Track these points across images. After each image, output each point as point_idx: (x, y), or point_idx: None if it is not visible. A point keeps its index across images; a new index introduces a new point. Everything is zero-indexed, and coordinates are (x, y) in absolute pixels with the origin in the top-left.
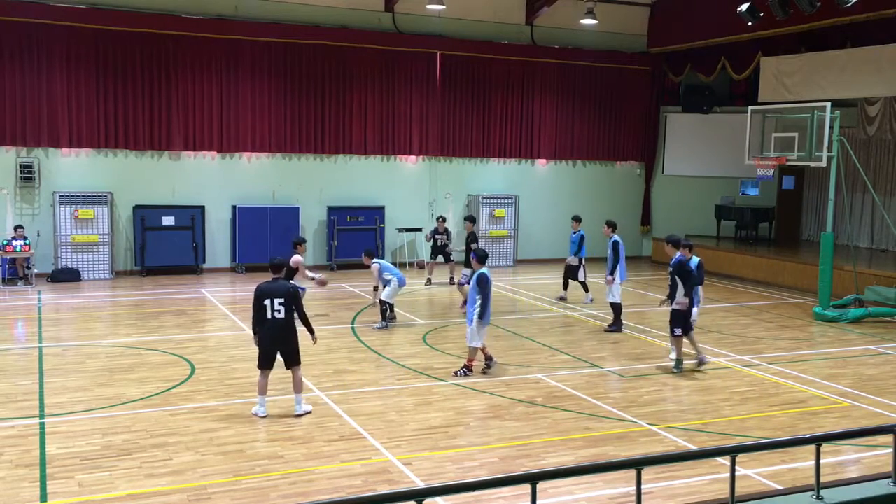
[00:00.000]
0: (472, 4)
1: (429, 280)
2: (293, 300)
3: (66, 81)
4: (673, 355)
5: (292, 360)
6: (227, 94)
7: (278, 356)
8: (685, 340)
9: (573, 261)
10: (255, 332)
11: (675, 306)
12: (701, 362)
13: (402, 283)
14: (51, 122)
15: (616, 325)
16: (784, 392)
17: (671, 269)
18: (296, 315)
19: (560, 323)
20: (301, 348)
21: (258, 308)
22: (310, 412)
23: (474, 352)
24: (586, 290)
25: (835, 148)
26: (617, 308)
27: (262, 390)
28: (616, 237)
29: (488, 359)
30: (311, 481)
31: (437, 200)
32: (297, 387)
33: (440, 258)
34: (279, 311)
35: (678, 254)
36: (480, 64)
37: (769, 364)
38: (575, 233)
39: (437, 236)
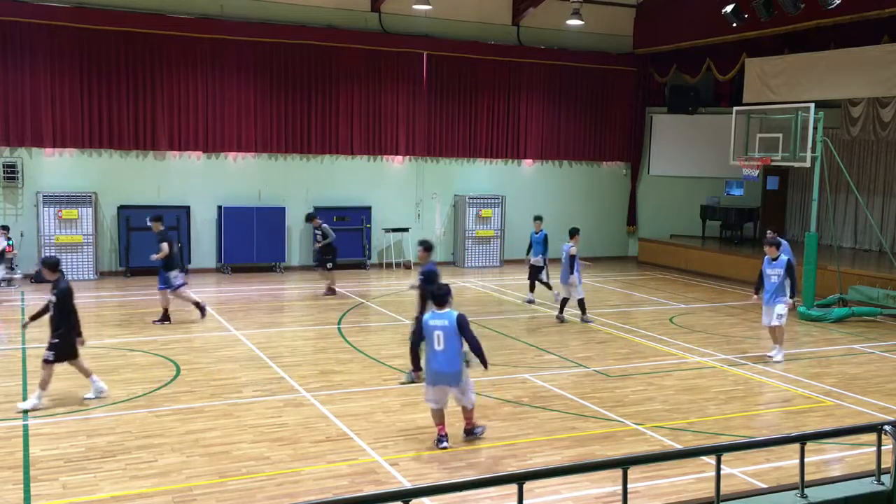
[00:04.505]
0: (458, 5)
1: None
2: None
3: (50, 81)
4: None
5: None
6: (213, 93)
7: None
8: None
9: (538, 261)
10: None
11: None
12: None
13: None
14: (34, 121)
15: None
16: (768, 391)
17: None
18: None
19: (546, 323)
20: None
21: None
22: (32, 409)
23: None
24: (550, 287)
25: (818, 149)
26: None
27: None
28: (545, 231)
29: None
30: (298, 482)
31: (423, 201)
32: (44, 385)
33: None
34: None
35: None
36: (467, 64)
37: (754, 363)
38: (537, 233)
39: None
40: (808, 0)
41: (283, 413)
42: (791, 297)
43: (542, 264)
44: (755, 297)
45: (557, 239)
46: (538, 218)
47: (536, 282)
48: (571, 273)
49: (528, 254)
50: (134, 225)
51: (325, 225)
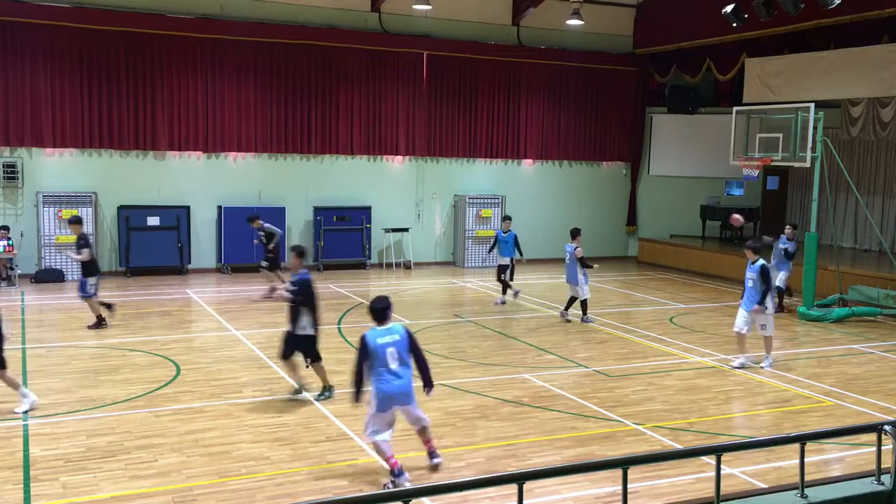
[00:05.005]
0: (458, 5)
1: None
2: None
3: (50, 81)
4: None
5: None
6: (213, 93)
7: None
8: None
9: (505, 260)
10: None
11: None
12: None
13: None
14: (34, 121)
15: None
16: (768, 391)
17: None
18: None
19: (546, 323)
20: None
21: None
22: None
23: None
24: (510, 287)
25: (818, 149)
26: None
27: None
28: (514, 231)
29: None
30: (298, 482)
31: (423, 201)
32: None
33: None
34: None
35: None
36: (467, 64)
37: (753, 363)
38: (506, 233)
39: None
40: (808, 0)
41: (283, 413)
42: (760, 304)
43: (508, 263)
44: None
45: (559, 239)
46: (507, 218)
47: (502, 281)
48: (580, 273)
49: (490, 252)
50: (134, 225)
51: (267, 224)
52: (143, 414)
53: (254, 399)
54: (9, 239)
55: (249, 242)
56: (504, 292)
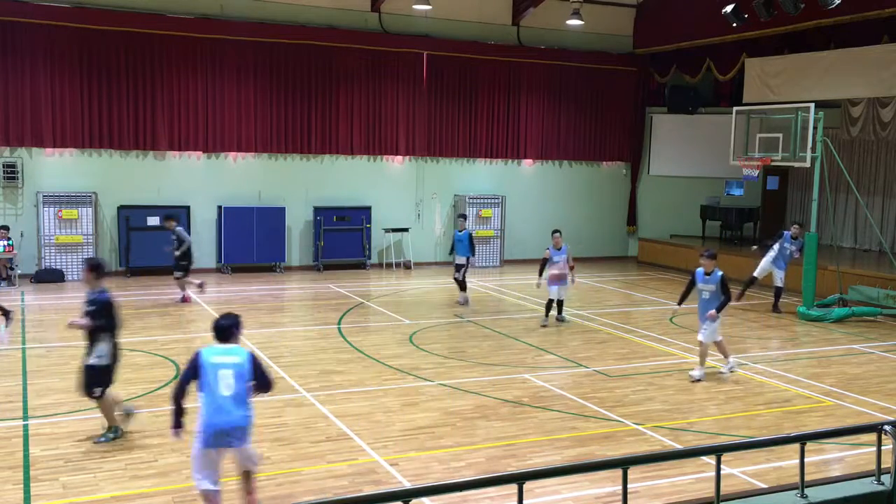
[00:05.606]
0: (458, 5)
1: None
2: None
3: (50, 81)
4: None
5: None
6: (213, 93)
7: None
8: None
9: (461, 260)
10: None
11: None
12: None
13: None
14: (34, 121)
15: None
16: (768, 391)
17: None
18: None
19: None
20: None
21: None
22: None
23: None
24: (464, 288)
25: (818, 149)
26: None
27: None
28: (468, 230)
29: None
30: (298, 482)
31: (423, 201)
32: None
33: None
34: None
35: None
36: (467, 64)
37: (754, 363)
38: (461, 231)
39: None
40: (808, 0)
41: (283, 413)
42: (716, 310)
43: (464, 263)
44: (679, 307)
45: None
46: (462, 216)
47: (455, 280)
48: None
49: (450, 253)
50: (134, 225)
51: (179, 228)
52: (143, 414)
53: (253, 399)
54: (9, 239)
55: (249, 242)
56: (463, 290)
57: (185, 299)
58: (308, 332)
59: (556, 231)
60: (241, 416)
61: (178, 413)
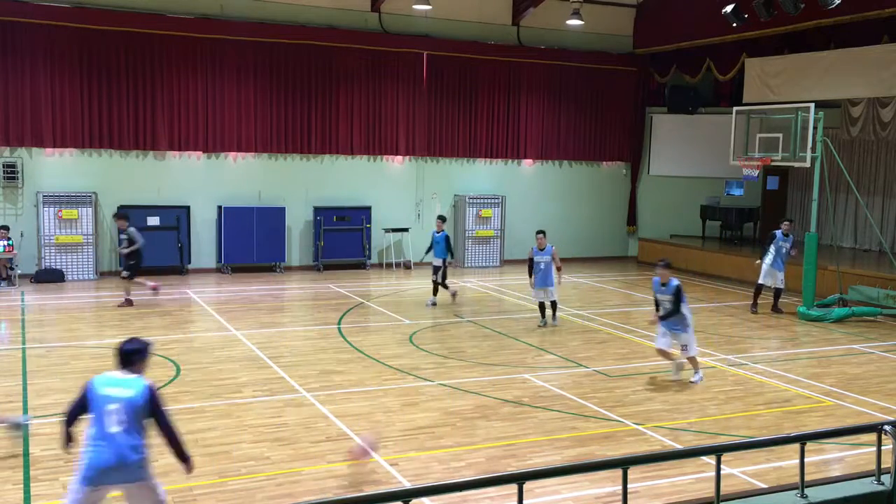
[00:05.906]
0: (458, 5)
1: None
2: None
3: (50, 81)
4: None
5: None
6: (213, 93)
7: None
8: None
9: (438, 261)
10: None
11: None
12: None
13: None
14: (34, 121)
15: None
16: (768, 391)
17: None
18: None
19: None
20: (274, 351)
21: None
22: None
23: None
24: (447, 287)
25: (818, 149)
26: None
27: None
28: (445, 231)
29: None
30: (298, 482)
31: (423, 201)
32: None
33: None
34: None
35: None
36: (467, 64)
37: (754, 363)
38: (439, 233)
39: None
40: (808, 0)
41: (283, 413)
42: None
43: (440, 265)
44: (654, 315)
45: (559, 239)
46: (440, 217)
47: (434, 282)
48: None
49: (426, 253)
50: (134, 225)
51: (132, 229)
52: None
53: (254, 399)
54: (9, 239)
55: (249, 242)
56: (435, 293)
57: (128, 302)
58: (308, 332)
59: (539, 231)
60: (131, 448)
61: (67, 437)
